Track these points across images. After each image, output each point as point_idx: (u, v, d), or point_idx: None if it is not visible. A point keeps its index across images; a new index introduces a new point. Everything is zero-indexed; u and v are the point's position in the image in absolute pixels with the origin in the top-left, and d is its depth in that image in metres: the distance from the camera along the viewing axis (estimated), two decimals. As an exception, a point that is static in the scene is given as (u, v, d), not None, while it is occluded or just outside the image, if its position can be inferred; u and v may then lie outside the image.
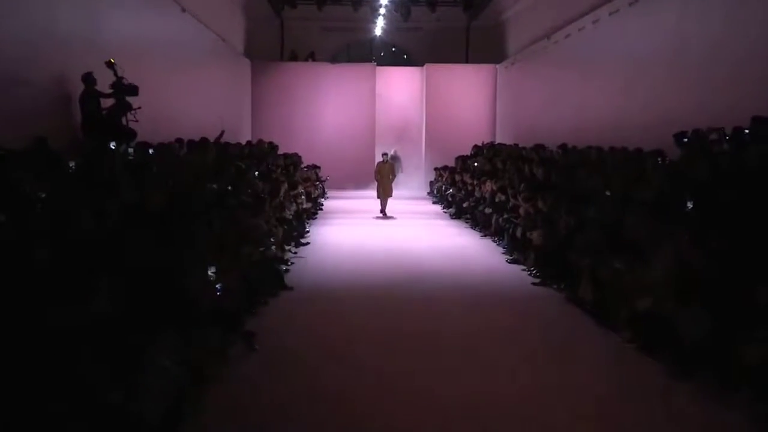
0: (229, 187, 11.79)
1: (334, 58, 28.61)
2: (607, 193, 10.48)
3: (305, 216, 16.32)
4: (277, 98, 26.46)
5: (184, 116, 15.85)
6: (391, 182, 19.03)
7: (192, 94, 17.16)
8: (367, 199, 21.44)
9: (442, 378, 6.56)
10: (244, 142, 19.76)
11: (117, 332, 4.74)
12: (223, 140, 15.83)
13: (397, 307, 9.11)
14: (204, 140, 14.40)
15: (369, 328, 8.14)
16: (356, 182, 25.43)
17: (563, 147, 15.63)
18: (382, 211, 18.73)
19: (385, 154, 19.35)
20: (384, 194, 18.77)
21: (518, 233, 12.24)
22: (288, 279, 10.42)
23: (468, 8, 27.21)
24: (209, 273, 6.99)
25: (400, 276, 11.06)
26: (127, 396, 4.44)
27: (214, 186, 10.76)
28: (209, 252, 7.36)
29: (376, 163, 19.99)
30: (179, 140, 13.32)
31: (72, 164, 8.39)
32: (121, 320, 4.94)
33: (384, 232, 16.13)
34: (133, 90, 10.81)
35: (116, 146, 10.12)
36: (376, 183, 19.13)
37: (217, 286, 6.81)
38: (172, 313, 5.75)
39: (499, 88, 26.55)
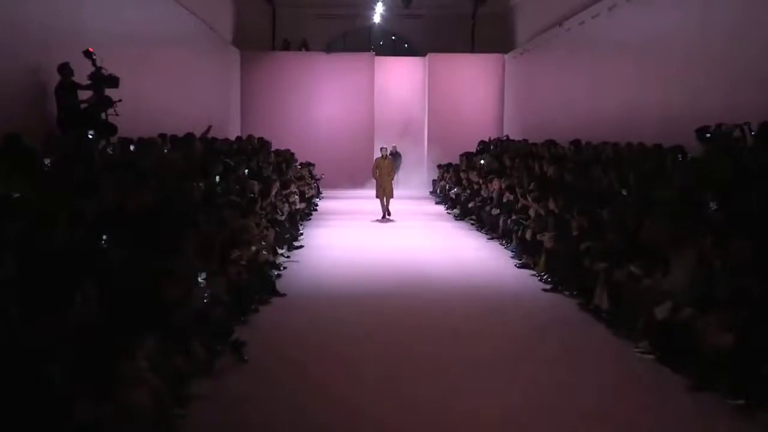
0: (217, 186, 11.78)
1: (330, 48, 28.61)
2: (624, 193, 10.48)
3: (298, 217, 16.31)
4: (269, 90, 26.45)
5: (167, 110, 15.84)
6: (392, 180, 18.61)
7: (176, 86, 17.15)
8: (365, 199, 21.44)
9: (445, 392, 6.54)
10: (232, 138, 19.75)
11: (92, 343, 4.72)
12: (210, 135, 15.85)
13: (398, 316, 9.10)
14: (189, 136, 14.40)
15: (367, 338, 8.13)
16: (353, 181, 25.42)
17: (576, 143, 15.62)
18: (385, 212, 18.33)
19: (384, 148, 18.98)
20: (384, 194, 18.29)
21: (528, 236, 12.24)
22: (280, 285, 10.41)
23: (474, -7, 27.24)
24: (199, 279, 6.98)
25: (401, 282, 11.06)
26: (101, 413, 4.43)
27: (201, 185, 10.74)
28: (196, 256, 7.34)
29: (374, 159, 19.74)
30: (162, 135, 13.30)
31: (47, 162, 8.37)
32: (97, 330, 4.92)
33: (383, 234, 16.13)
34: (113, 81, 10.80)
35: (95, 138, 10.10)
36: (375, 182, 18.67)
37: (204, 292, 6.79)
38: (154, 322, 5.73)
39: (507, 80, 26.54)
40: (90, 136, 10.07)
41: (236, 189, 12.54)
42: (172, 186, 9.91)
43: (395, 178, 19.32)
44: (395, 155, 24.74)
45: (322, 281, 11.08)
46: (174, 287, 6.16)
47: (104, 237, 6.12)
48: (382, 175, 18.33)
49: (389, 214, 18.31)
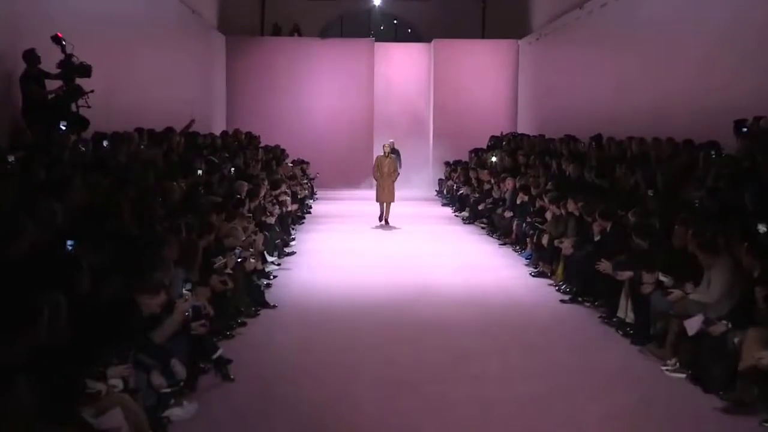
0: (200, 187, 11.78)
1: (325, 33, 28.62)
2: (650, 194, 10.46)
3: (290, 221, 16.31)
4: (257, 80, 26.45)
5: (145, 102, 15.84)
6: (394, 181, 18.12)
7: (155, 76, 17.15)
8: (364, 201, 21.42)
9: (454, 425, 6.49)
10: (217, 133, 19.75)
11: (61, 361, 4.70)
12: (192, 130, 15.86)
13: (401, 332, 9.04)
14: (169, 130, 14.41)
15: (367, 358, 8.09)
16: (351, 181, 25.42)
17: (597, 138, 15.62)
18: (383, 218, 17.88)
19: (386, 145, 18.40)
20: (384, 197, 17.83)
21: (544, 241, 12.22)
22: (270, 295, 10.40)
23: (484, -27, 27.25)
24: (184, 291, 6.96)
25: (404, 293, 11.02)
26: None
27: (182, 185, 10.74)
28: (177, 264, 7.33)
29: (374, 157, 19.43)
30: (139, 130, 13.32)
31: (11, 158, 8.36)
32: (67, 346, 4.90)
33: (383, 240, 16.12)
34: (85, 70, 10.78)
35: (67, 131, 10.09)
36: (375, 183, 18.32)
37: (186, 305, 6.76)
38: (130, 337, 5.71)
39: (522, 69, 26.55)
40: (63, 128, 10.05)
41: (221, 189, 12.54)
42: (151, 186, 9.91)
43: (397, 178, 18.50)
44: (393, 152, 24.43)
45: (316, 292, 11.07)
46: (152, 299, 6.15)
47: (73, 242, 6.09)
48: (384, 176, 17.90)
49: (387, 223, 17.83)
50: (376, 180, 18.09)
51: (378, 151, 19.32)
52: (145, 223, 8.21)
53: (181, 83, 19.77)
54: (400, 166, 21.20)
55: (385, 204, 17.95)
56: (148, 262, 6.72)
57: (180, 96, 19.06)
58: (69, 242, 6.06)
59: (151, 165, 11.15)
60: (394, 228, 17.62)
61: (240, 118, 25.18)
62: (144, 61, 16.39)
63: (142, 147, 12.43)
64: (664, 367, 7.65)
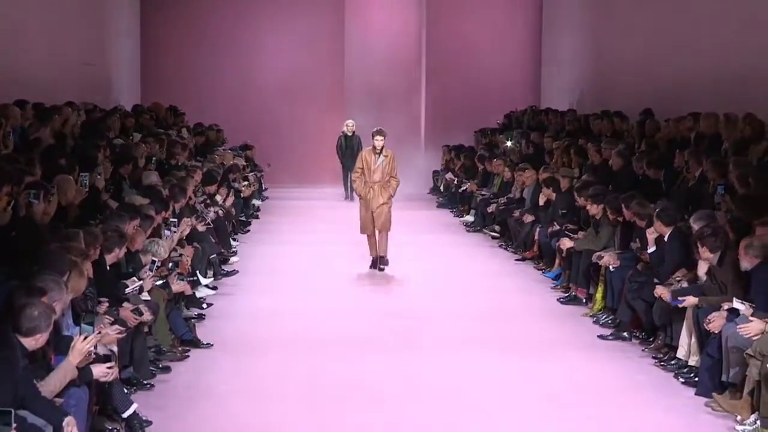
0: (105, 182, 11.75)
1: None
2: (721, 191, 10.46)
3: (230, 228, 16.28)
4: (183, 36, 26.36)
5: (28, 65, 15.79)
6: (393, 195, 14.60)
7: (42, 30, 17.10)
8: (333, 201, 21.37)
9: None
10: (128, 107, 19.71)
11: None
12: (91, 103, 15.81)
13: (380, 386, 9.02)
14: (68, 105, 14.36)
15: (330, 421, 8.07)
16: (314, 175, 25.35)
17: (646, 114, 15.67)
18: (377, 260, 14.59)
19: (379, 134, 14.47)
20: (375, 224, 14.35)
21: (577, 250, 12.26)
22: (202, 330, 10.43)
23: None
24: (83, 324, 6.95)
25: (382, 334, 10.95)
26: None
27: (81, 178, 10.70)
28: (67, 290, 7.30)
29: (360, 153, 15.46)
30: (21, 103, 13.27)
31: None
32: None
33: (358, 257, 16.00)
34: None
35: None
36: (357, 197, 15.19)
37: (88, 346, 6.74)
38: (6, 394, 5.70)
39: (547, 18, 26.59)
40: None
41: (133, 185, 12.53)
42: (36, 180, 9.88)
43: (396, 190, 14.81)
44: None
45: (265, 325, 11.08)
46: (40, 338, 6.11)
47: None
48: (373, 186, 14.43)
49: (384, 264, 14.57)
50: (359, 194, 14.76)
51: (365, 142, 18.36)
52: (29, 233, 8.20)
53: (74, 38, 19.62)
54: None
55: (377, 233, 14.60)
56: (34, 286, 6.70)
57: (73, 56, 18.98)
58: None
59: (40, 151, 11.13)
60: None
61: (160, 87, 25.08)
62: (22, 11, 16.33)
63: (26, 126, 12.39)
64: (739, 427, 7.69)
